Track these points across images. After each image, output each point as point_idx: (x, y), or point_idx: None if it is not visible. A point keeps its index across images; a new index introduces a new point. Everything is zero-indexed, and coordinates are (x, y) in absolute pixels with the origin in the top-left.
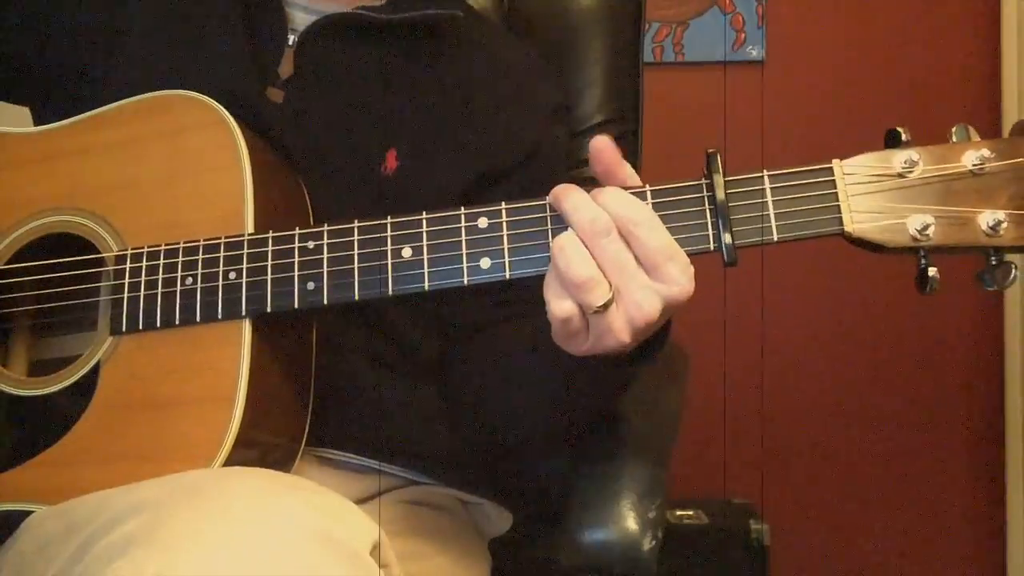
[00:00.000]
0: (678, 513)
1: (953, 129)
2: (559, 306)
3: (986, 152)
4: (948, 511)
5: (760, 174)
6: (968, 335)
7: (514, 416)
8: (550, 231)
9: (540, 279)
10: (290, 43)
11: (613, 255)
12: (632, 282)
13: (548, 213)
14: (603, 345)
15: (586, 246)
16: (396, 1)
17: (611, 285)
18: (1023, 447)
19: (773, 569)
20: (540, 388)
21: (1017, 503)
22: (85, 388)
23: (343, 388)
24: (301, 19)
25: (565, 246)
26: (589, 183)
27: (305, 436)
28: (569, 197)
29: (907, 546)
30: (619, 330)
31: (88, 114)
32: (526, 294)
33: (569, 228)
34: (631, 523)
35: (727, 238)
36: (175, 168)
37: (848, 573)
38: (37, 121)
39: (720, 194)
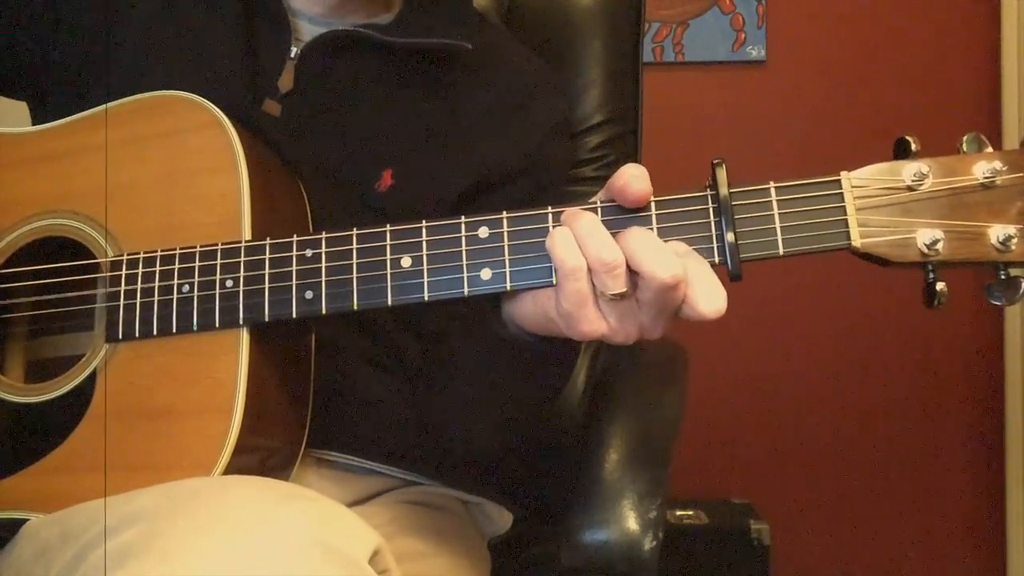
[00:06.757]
0: (678, 513)
1: (964, 138)
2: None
3: (998, 164)
4: (948, 511)
5: (767, 186)
6: (968, 336)
7: (473, 416)
8: None
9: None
10: (292, 55)
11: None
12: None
13: (550, 223)
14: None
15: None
16: (405, 19)
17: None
18: (1023, 448)
19: (773, 569)
20: (490, 383)
21: (1017, 503)
22: (81, 395)
23: (341, 390)
24: (306, 30)
25: (595, 230)
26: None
27: (304, 441)
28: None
29: (907, 546)
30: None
31: (83, 114)
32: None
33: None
34: (632, 523)
35: (730, 237)
36: (171, 170)
37: (848, 573)
38: (34, 119)
39: (723, 191)
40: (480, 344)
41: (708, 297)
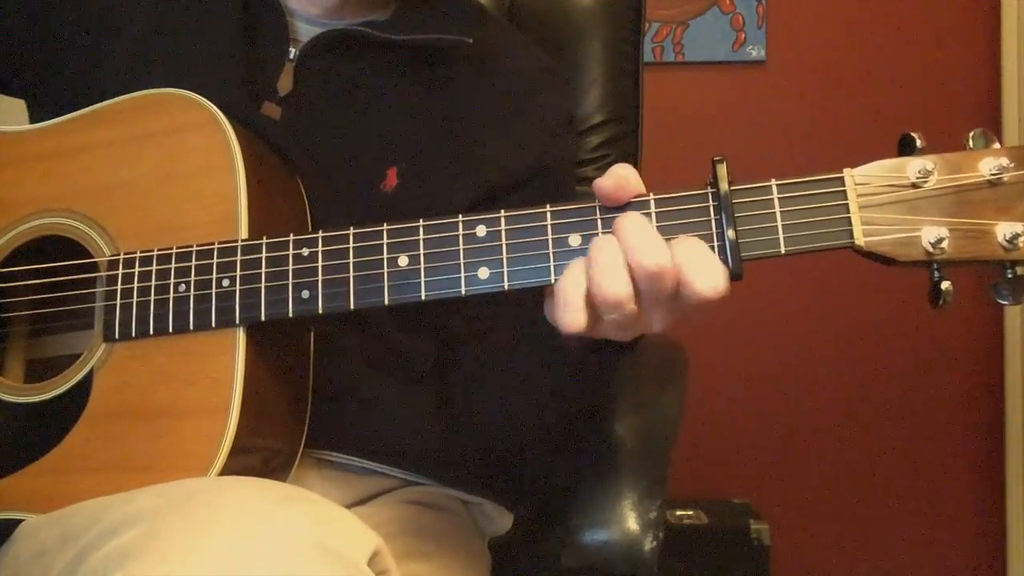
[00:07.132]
0: (678, 513)
1: (971, 133)
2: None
3: (1005, 161)
4: (948, 511)
5: (768, 183)
6: (968, 336)
7: (508, 414)
8: (550, 240)
9: (538, 289)
10: (291, 57)
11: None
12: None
13: (548, 221)
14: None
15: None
16: (402, 16)
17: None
18: (1023, 448)
19: (773, 569)
20: (530, 381)
21: (1017, 503)
22: (78, 395)
23: (341, 391)
24: (304, 31)
25: (648, 235)
26: (586, 184)
27: (303, 441)
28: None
29: (907, 546)
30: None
31: (80, 112)
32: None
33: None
34: (632, 523)
35: (731, 234)
36: (168, 169)
37: (848, 573)
38: (32, 117)
39: (724, 188)
40: (508, 345)
41: (703, 276)
